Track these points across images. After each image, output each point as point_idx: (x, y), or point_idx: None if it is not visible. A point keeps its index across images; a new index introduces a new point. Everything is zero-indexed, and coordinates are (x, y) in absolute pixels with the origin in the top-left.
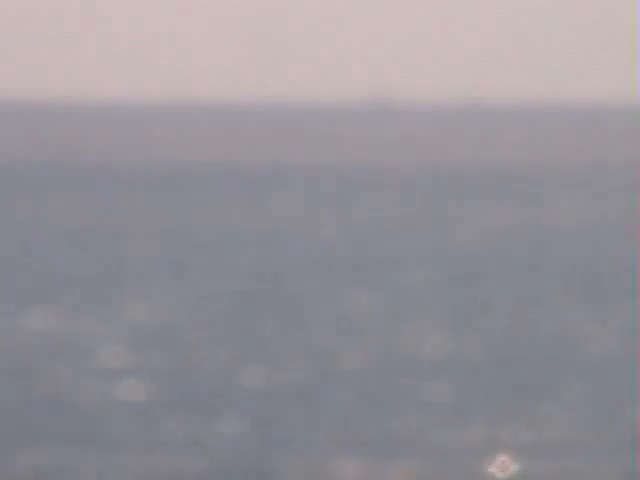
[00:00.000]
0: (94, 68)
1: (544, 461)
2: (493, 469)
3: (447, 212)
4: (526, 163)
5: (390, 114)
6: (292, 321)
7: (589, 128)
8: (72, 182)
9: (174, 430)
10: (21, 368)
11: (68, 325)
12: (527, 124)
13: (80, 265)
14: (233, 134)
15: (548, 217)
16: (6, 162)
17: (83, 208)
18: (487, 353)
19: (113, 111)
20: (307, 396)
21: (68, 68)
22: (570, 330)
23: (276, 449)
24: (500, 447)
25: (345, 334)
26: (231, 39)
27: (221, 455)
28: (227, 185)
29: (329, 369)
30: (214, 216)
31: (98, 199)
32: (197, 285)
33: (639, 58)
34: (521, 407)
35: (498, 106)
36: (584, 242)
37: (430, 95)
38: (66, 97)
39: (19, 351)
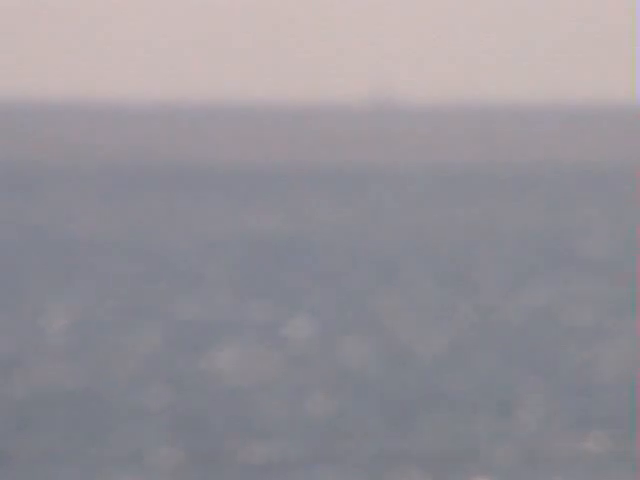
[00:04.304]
0: (94, 68)
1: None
2: None
3: (447, 212)
4: (526, 163)
5: (390, 113)
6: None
7: (589, 128)
8: (72, 182)
9: None
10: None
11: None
12: (527, 124)
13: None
14: (233, 134)
15: (548, 217)
16: (6, 162)
17: (83, 208)
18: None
19: (113, 111)
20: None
21: (68, 68)
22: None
23: None
24: None
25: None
26: (231, 39)
27: None
28: (227, 185)
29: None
30: (213, 216)
31: (98, 199)
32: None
33: (639, 58)
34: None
35: (498, 106)
36: (584, 242)
37: (430, 95)
38: (66, 97)
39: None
